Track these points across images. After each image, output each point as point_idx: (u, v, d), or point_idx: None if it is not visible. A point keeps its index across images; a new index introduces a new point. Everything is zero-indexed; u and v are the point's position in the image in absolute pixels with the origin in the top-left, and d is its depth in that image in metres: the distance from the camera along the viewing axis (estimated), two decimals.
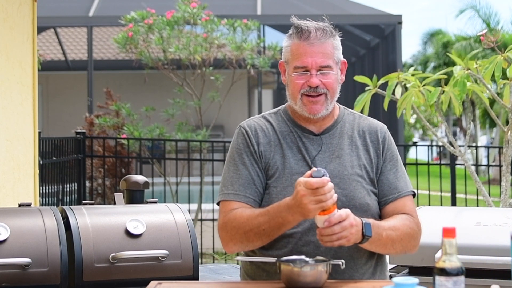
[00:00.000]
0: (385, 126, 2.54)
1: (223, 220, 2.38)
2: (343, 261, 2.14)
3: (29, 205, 3.09)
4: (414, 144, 18.44)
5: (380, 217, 2.40)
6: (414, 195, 2.47)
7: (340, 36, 2.46)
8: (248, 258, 2.39)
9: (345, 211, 2.16)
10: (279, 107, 2.56)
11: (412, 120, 30.03)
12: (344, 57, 2.47)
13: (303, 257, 2.16)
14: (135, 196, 3.32)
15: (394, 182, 2.42)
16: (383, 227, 2.31)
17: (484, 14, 22.44)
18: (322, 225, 2.13)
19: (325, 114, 2.42)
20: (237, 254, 4.52)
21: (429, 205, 7.47)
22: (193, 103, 10.00)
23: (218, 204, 2.45)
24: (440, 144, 11.47)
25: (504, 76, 4.68)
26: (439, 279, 1.74)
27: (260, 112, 14.09)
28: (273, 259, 2.21)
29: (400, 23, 13.56)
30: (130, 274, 2.89)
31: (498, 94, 4.86)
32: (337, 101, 2.56)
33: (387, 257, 2.56)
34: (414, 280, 1.72)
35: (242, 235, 2.32)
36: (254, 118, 2.53)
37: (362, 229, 2.21)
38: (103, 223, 2.95)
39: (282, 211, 2.21)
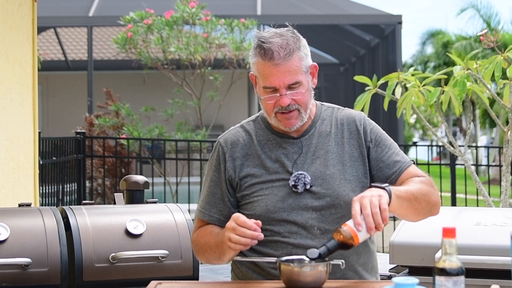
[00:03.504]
0: (362, 113, 2.51)
1: (192, 237, 2.49)
2: (343, 261, 2.14)
3: (29, 205, 3.09)
4: (414, 144, 18.43)
5: None
6: (414, 164, 2.48)
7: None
8: (247, 259, 2.38)
9: (353, 203, 2.13)
10: (257, 114, 2.55)
11: (412, 120, 30.03)
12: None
13: (303, 257, 2.15)
14: (135, 196, 3.33)
15: (391, 162, 2.43)
16: (397, 187, 2.32)
17: (485, 14, 22.45)
18: (363, 231, 2.10)
19: (301, 125, 2.42)
20: None
21: None
22: (193, 103, 10.00)
23: None
24: (440, 144, 11.47)
25: (504, 76, 4.68)
26: (439, 279, 1.74)
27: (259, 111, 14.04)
28: (273, 259, 2.20)
29: (400, 23, 13.56)
30: (130, 274, 2.89)
31: (498, 94, 4.86)
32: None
33: (380, 256, 2.55)
34: (414, 280, 1.72)
35: (203, 255, 2.41)
36: (232, 129, 2.52)
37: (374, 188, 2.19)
38: (103, 223, 2.95)
39: (220, 237, 2.28)
